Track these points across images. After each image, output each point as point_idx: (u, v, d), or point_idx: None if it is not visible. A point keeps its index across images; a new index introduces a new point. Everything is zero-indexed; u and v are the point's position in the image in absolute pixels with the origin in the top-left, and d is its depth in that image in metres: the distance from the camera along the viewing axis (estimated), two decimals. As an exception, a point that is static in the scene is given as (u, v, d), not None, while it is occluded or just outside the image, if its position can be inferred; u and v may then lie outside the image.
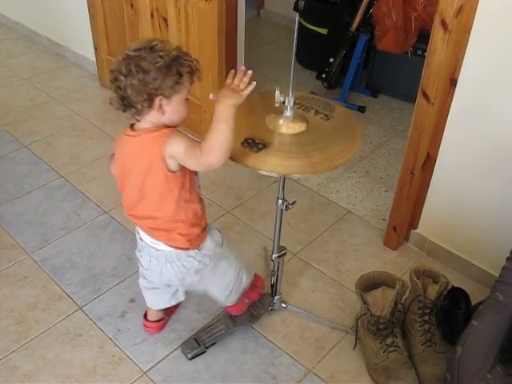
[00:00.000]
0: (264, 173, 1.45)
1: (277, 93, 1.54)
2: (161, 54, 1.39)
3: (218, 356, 1.86)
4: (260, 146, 1.50)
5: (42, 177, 2.66)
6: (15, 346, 1.87)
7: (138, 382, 1.78)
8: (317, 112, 1.68)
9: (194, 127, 2.74)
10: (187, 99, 1.48)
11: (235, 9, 2.56)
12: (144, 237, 1.63)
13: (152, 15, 2.80)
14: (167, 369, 1.82)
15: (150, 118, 1.45)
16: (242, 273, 1.80)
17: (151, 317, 1.91)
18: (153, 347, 1.88)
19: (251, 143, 1.50)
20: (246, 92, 1.41)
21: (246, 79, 1.43)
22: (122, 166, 1.55)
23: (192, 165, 1.46)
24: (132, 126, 1.51)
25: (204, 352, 1.85)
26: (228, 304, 1.86)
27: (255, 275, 1.95)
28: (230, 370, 1.81)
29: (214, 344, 1.87)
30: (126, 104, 1.42)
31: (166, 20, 2.74)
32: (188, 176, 1.51)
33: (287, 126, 1.57)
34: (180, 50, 1.45)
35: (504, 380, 1.53)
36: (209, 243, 1.65)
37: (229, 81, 1.44)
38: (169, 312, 1.96)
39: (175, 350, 1.87)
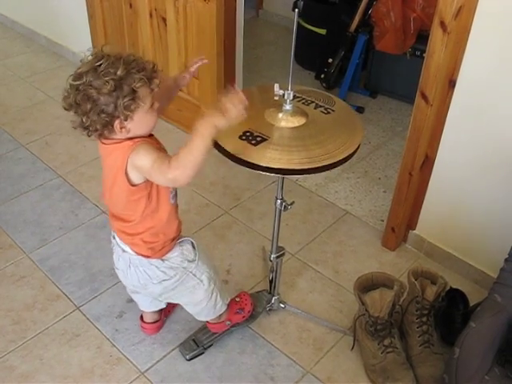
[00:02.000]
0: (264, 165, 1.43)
1: (276, 86, 1.53)
2: (106, 78, 1.29)
3: (216, 356, 1.85)
4: (258, 138, 1.48)
5: (39, 176, 2.66)
6: (12, 346, 1.87)
7: (135, 383, 1.77)
8: (317, 106, 1.67)
9: (192, 127, 2.74)
10: (152, 105, 1.39)
11: (234, 9, 2.56)
12: (115, 235, 1.63)
13: (151, 15, 2.80)
14: (165, 369, 1.81)
15: (116, 137, 1.40)
16: (216, 296, 1.73)
17: (147, 318, 1.91)
18: (150, 347, 1.88)
19: (249, 136, 1.49)
20: (236, 120, 1.33)
21: (241, 107, 1.33)
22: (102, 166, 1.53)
23: (158, 179, 1.41)
24: None
25: (203, 353, 1.85)
26: (199, 319, 1.83)
27: (243, 295, 1.92)
28: (228, 371, 1.81)
29: (212, 345, 1.87)
30: (88, 129, 1.39)
31: (164, 20, 2.73)
32: (155, 186, 1.47)
33: (286, 120, 1.56)
34: (129, 61, 1.34)
35: (502, 382, 1.53)
36: (175, 255, 1.61)
37: (224, 100, 1.33)
38: (166, 312, 1.96)
39: (173, 350, 1.87)
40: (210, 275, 1.70)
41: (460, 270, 2.16)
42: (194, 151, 1.31)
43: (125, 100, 1.31)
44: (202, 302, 1.72)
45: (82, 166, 2.74)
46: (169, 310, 1.96)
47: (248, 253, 2.26)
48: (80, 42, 3.50)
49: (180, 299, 1.75)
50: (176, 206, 1.61)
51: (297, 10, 1.49)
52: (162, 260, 1.59)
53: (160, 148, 1.46)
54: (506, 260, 1.63)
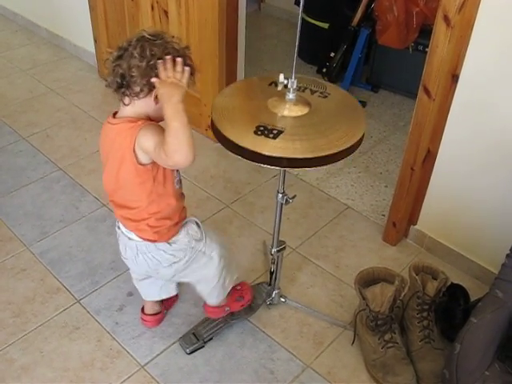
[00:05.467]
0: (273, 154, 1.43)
1: (281, 76, 1.53)
2: (175, 46, 1.42)
3: (216, 350, 1.85)
4: (275, 131, 1.47)
5: (40, 169, 2.65)
6: (13, 338, 1.87)
7: (135, 376, 1.77)
8: (312, 91, 1.67)
9: (193, 121, 2.73)
10: None
11: (236, 2, 2.55)
12: (120, 225, 1.64)
13: (152, 7, 2.79)
14: (165, 363, 1.81)
15: (139, 105, 1.44)
16: (226, 273, 1.76)
17: (148, 310, 1.91)
18: (151, 341, 1.88)
19: (264, 130, 1.48)
20: (185, 81, 1.39)
21: (179, 67, 1.39)
22: (102, 152, 1.56)
23: (161, 163, 1.45)
24: (115, 114, 1.51)
25: (203, 347, 1.85)
26: (210, 302, 1.83)
27: (244, 284, 1.94)
28: (228, 365, 1.81)
29: (212, 338, 1.87)
30: (124, 83, 1.41)
31: (166, 12, 2.72)
32: (161, 170, 1.49)
33: (290, 109, 1.56)
34: (188, 49, 1.47)
35: (502, 377, 1.53)
36: (181, 236, 1.62)
37: (163, 75, 1.38)
38: (167, 306, 1.96)
39: (173, 344, 1.87)
40: (221, 253, 1.72)
41: (461, 265, 2.16)
42: (178, 133, 1.34)
43: None
44: (214, 278, 1.73)
45: (83, 159, 2.74)
46: (170, 303, 1.97)
47: (249, 247, 2.26)
48: (81, 34, 3.50)
49: (192, 276, 1.73)
50: (181, 192, 1.63)
51: (300, 6, 1.48)
52: (169, 243, 1.60)
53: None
54: (507, 255, 1.63)
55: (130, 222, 1.58)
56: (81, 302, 2.01)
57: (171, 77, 1.38)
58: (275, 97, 1.59)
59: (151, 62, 1.38)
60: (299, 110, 1.56)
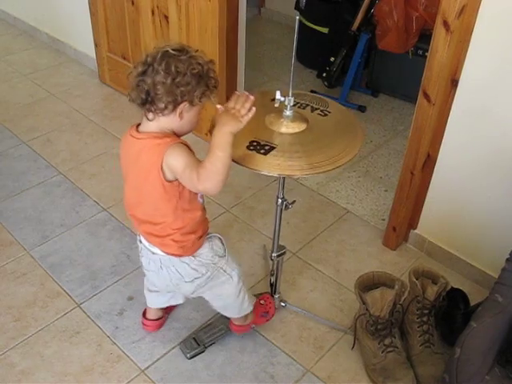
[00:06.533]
0: (266, 173, 1.44)
1: (277, 93, 1.53)
2: (200, 61, 1.40)
3: (217, 355, 1.85)
4: (267, 147, 1.48)
5: (41, 173, 2.66)
6: (13, 343, 1.87)
7: (135, 380, 1.77)
8: (313, 109, 1.67)
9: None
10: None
11: (236, 7, 2.56)
12: (142, 239, 1.63)
13: (153, 12, 2.80)
14: (165, 367, 1.81)
15: (163, 121, 1.43)
16: (244, 295, 1.75)
17: (150, 315, 1.91)
18: (151, 345, 1.88)
19: (257, 146, 1.48)
20: (246, 118, 1.39)
21: (248, 105, 1.40)
22: (124, 165, 1.54)
23: (188, 186, 1.44)
24: (138, 126, 1.48)
25: (203, 352, 1.85)
26: (226, 314, 1.83)
27: (268, 298, 1.93)
28: (229, 369, 1.81)
29: (213, 343, 1.87)
30: (148, 100, 1.39)
31: (166, 17, 2.73)
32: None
33: (287, 126, 1.56)
34: (213, 64, 1.45)
35: (502, 382, 1.53)
36: (206, 251, 1.62)
37: (231, 104, 1.42)
38: (167, 310, 1.95)
39: (173, 348, 1.87)
40: (240, 272, 1.71)
41: (461, 269, 2.16)
42: (218, 162, 1.36)
43: (202, 88, 1.40)
44: (229, 297, 1.72)
45: (84, 163, 2.74)
46: (170, 308, 1.96)
47: (249, 251, 2.26)
48: (82, 39, 3.51)
49: (210, 293, 1.72)
50: (203, 205, 1.61)
51: (299, 8, 1.49)
52: (194, 256, 1.59)
53: (192, 152, 1.46)
54: (507, 260, 1.63)
55: (153, 238, 1.57)
56: (81, 306, 2.01)
57: (236, 109, 1.39)
58: (273, 113, 1.60)
59: (176, 80, 1.36)
60: (296, 127, 1.56)
